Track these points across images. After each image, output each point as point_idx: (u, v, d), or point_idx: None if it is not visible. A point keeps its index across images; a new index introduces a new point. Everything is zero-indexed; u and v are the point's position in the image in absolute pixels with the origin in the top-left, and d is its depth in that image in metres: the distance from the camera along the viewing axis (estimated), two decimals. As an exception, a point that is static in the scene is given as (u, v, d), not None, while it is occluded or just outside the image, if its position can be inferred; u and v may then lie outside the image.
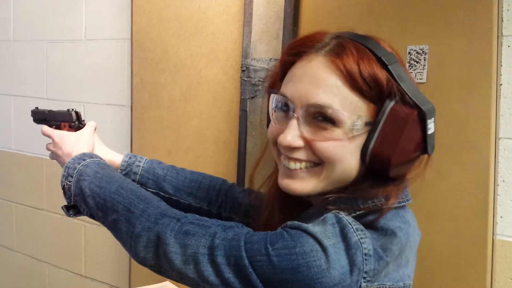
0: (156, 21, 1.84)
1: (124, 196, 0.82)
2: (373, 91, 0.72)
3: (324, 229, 0.67)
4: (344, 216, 0.70)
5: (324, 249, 0.65)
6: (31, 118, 1.18)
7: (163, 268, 0.75)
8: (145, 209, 0.78)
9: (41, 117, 1.15)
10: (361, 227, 0.69)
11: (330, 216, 0.70)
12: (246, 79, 1.57)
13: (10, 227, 2.57)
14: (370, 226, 0.71)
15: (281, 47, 1.51)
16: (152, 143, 1.87)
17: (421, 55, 1.27)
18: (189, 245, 0.71)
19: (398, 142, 0.71)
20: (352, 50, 0.73)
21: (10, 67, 2.48)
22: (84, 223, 2.23)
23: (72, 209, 0.91)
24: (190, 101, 1.77)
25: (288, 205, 0.84)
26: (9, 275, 2.61)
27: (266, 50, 1.54)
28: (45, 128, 1.08)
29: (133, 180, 1.04)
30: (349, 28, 0.79)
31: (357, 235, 0.67)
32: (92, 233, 2.21)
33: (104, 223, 0.85)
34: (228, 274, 0.68)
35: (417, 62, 1.27)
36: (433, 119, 0.73)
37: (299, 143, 0.74)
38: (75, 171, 0.91)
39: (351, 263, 0.66)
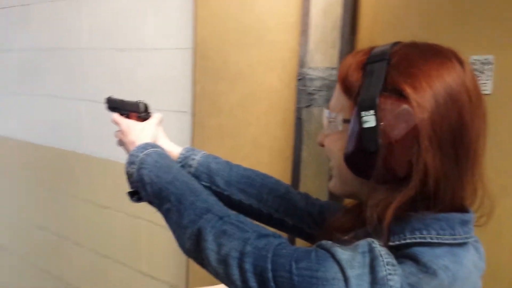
0: (218, 31, 1.89)
1: (177, 187, 0.85)
2: (347, 89, 0.73)
3: (352, 257, 0.63)
4: (378, 245, 0.64)
5: (346, 279, 0.62)
6: (101, 114, 1.24)
7: (204, 262, 0.76)
8: (194, 201, 0.80)
9: (113, 105, 1.22)
10: (393, 261, 0.63)
11: (363, 243, 0.65)
12: (302, 88, 1.58)
13: (77, 223, 2.71)
14: (412, 258, 0.65)
15: (338, 56, 1.51)
16: (212, 150, 1.91)
17: (486, 65, 1.23)
18: (224, 245, 0.72)
19: (348, 138, 0.71)
20: (359, 52, 0.75)
21: (81, 73, 2.60)
22: (146, 222, 2.32)
23: (135, 195, 0.97)
24: (248, 109, 1.81)
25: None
26: (76, 267, 2.76)
27: (322, 59, 1.55)
28: (115, 116, 1.15)
29: (188, 173, 1.06)
30: (407, 38, 0.77)
31: (385, 270, 0.62)
32: (154, 232, 2.28)
33: (159, 210, 0.88)
34: (253, 283, 0.67)
35: (481, 72, 1.23)
36: (371, 111, 0.67)
37: (322, 141, 0.80)
38: (138, 159, 0.95)
39: None
